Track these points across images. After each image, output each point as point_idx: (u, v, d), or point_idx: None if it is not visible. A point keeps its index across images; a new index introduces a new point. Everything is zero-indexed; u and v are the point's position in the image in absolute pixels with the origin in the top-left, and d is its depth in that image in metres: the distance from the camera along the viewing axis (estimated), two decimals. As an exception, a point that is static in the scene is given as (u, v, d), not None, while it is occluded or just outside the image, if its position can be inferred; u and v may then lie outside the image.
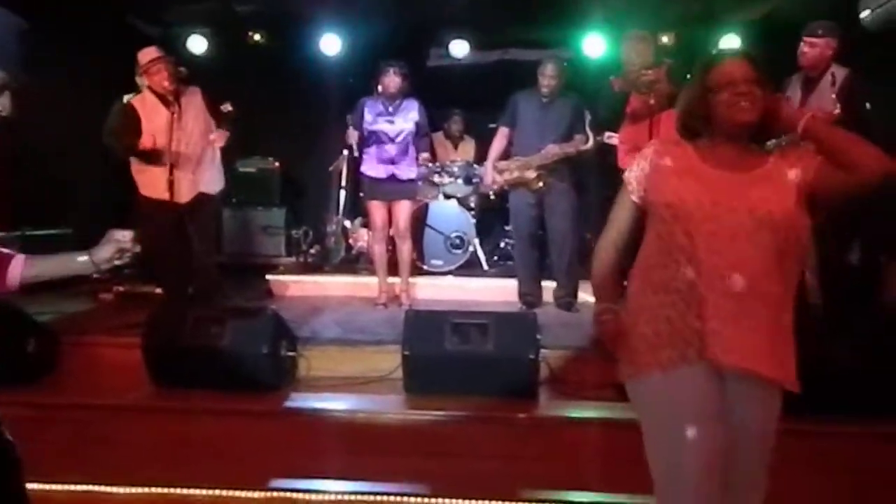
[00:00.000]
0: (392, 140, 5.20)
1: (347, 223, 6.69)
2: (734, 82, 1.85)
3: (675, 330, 1.87)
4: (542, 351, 3.78)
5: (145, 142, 4.70)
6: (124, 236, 1.86)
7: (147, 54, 4.66)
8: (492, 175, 5.34)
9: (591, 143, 5.01)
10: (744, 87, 1.84)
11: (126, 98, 5.43)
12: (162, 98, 4.65)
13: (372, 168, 5.26)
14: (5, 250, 1.81)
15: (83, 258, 1.84)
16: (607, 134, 5.13)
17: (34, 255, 1.84)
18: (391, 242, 5.54)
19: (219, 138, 4.70)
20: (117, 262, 1.86)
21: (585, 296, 5.54)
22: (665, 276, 1.89)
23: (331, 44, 7.14)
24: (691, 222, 1.85)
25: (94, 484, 3.06)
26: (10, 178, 4.94)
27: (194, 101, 4.74)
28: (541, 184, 5.07)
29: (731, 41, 6.96)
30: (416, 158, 5.31)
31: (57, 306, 5.03)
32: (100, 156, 5.10)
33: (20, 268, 1.79)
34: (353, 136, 5.24)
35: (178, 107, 4.63)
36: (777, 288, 1.83)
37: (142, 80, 5.37)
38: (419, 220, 6.01)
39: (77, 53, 5.80)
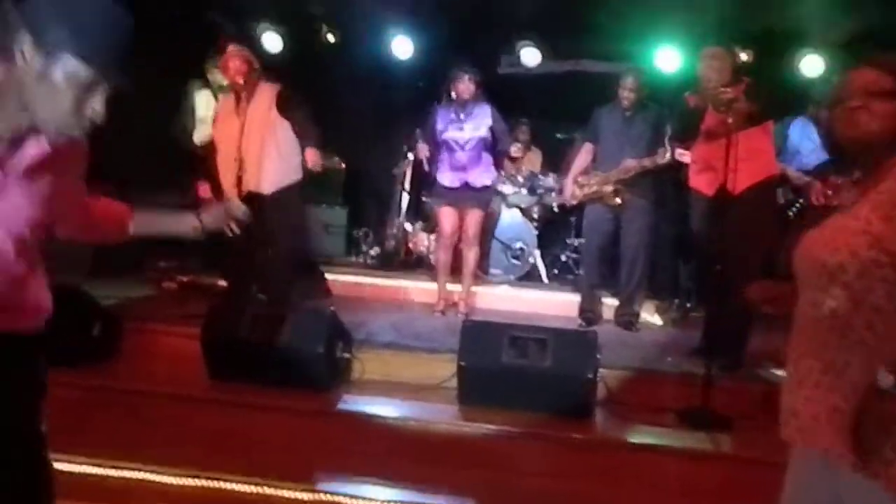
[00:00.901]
0: (462, 147, 5.16)
1: (408, 226, 6.68)
2: (850, 95, 1.55)
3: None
4: (601, 370, 3.69)
5: (214, 135, 4.76)
6: (238, 207, 1.95)
7: (228, 49, 4.73)
8: (571, 189, 5.27)
9: (668, 156, 4.88)
10: (858, 101, 1.53)
11: (198, 91, 5.56)
12: (235, 92, 4.70)
13: (445, 176, 5.24)
14: (115, 202, 1.87)
15: (191, 219, 1.88)
16: (678, 151, 5.01)
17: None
18: (455, 249, 5.49)
19: (312, 158, 4.65)
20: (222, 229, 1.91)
21: (647, 316, 5.42)
22: None
23: (402, 46, 7.15)
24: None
25: (145, 471, 3.09)
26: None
27: (265, 98, 4.75)
28: (618, 199, 4.97)
29: (813, 62, 6.72)
30: (492, 165, 5.26)
31: (123, 292, 5.14)
32: (168, 148, 5.18)
33: (131, 220, 1.86)
34: (422, 150, 5.24)
35: (248, 102, 4.68)
36: None
37: (213, 74, 5.48)
38: (487, 230, 5.95)
39: (154, 48, 5.93)
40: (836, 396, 1.46)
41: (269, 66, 4.96)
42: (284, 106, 4.71)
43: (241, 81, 4.65)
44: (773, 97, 4.43)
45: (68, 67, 1.36)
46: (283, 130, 4.69)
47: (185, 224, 1.90)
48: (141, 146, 5.63)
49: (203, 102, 5.52)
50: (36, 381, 1.67)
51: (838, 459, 1.45)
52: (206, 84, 5.55)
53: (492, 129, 5.13)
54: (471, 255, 5.35)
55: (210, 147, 4.92)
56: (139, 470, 3.08)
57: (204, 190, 4.96)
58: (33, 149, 1.48)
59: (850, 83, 1.57)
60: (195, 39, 5.81)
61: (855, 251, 1.45)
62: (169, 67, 5.57)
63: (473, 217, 5.25)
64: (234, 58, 4.65)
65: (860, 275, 1.43)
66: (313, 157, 4.63)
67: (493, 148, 5.25)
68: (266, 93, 4.72)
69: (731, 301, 3.70)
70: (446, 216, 5.29)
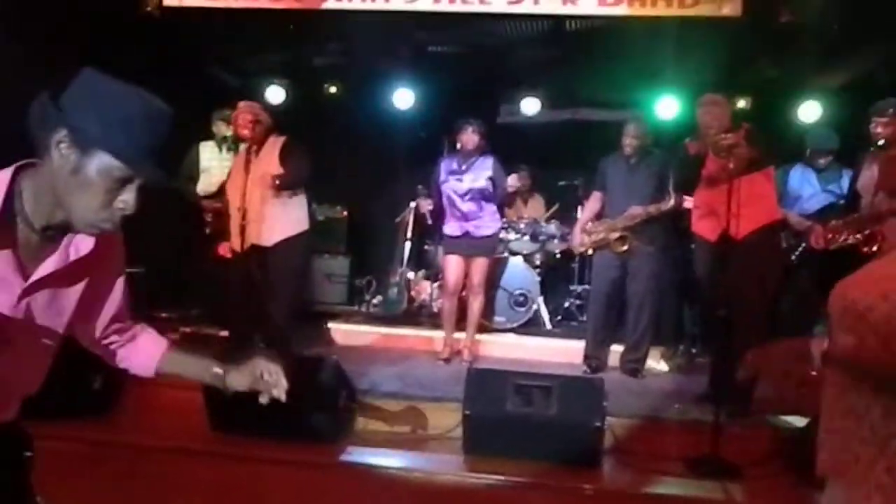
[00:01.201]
0: (461, 197, 5.20)
1: (411, 275, 6.67)
2: None
3: None
4: (608, 418, 3.64)
5: (226, 187, 4.83)
6: (269, 372, 1.72)
7: (239, 105, 4.86)
8: (580, 237, 5.28)
9: (672, 202, 4.90)
10: None
11: (202, 143, 5.64)
12: (247, 146, 4.78)
13: (448, 226, 5.29)
14: (151, 332, 1.80)
15: (217, 374, 1.74)
16: (684, 197, 5.03)
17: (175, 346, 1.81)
18: (459, 297, 5.47)
19: None
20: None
21: (653, 362, 5.37)
22: None
23: (403, 97, 7.25)
24: None
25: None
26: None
27: (272, 150, 4.80)
28: (625, 247, 4.98)
29: (810, 109, 6.80)
30: (496, 214, 5.30)
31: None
32: (174, 199, 5.23)
33: (157, 358, 1.78)
34: (423, 205, 5.32)
35: (255, 155, 4.74)
36: None
37: (217, 127, 5.57)
38: (493, 278, 5.95)
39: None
40: None
41: (273, 118, 5.04)
42: (284, 156, 4.77)
43: (248, 134, 4.73)
44: (774, 142, 4.47)
45: (102, 163, 1.37)
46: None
47: (209, 376, 1.77)
48: (159, 200, 5.69)
49: (207, 154, 5.60)
50: (24, 456, 1.64)
51: None
52: (211, 136, 5.64)
53: (491, 180, 5.16)
54: (476, 304, 5.33)
55: (223, 200, 4.99)
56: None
57: (224, 249, 4.99)
58: (66, 249, 1.48)
59: None
60: (198, 93, 5.90)
61: (886, 294, 1.43)
62: (183, 126, 5.64)
63: (478, 265, 5.26)
64: (244, 112, 4.78)
65: (887, 319, 1.42)
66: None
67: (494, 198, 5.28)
68: (273, 146, 4.79)
69: (737, 346, 3.67)
70: (451, 265, 5.30)
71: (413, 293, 6.64)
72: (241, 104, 4.85)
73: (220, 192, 5.17)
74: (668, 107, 6.98)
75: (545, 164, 7.24)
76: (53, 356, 1.58)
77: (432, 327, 5.78)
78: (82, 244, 1.49)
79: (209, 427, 3.83)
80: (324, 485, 3.45)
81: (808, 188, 5.19)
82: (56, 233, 1.45)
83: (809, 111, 6.80)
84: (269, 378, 1.70)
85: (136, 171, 1.39)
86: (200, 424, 3.83)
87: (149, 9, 5.31)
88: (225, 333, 5.30)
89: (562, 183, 7.16)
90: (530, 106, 7.30)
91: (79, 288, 1.54)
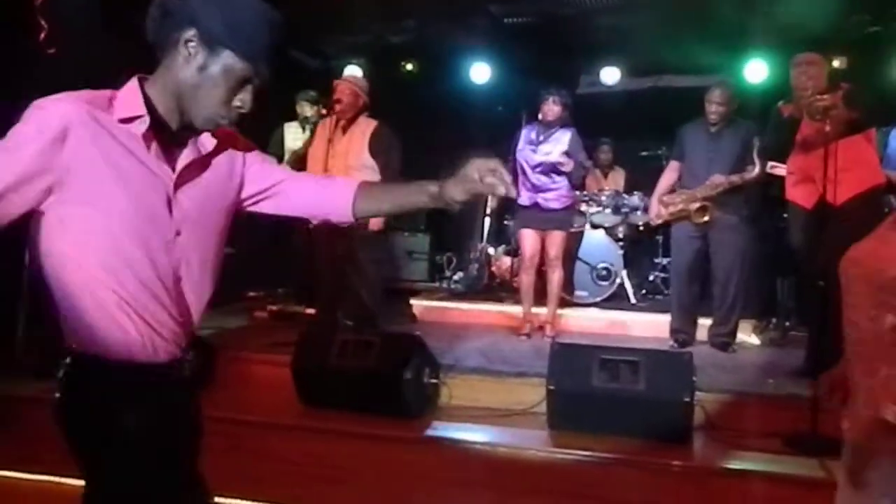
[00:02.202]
0: (532, 168, 5.13)
1: (491, 250, 6.66)
2: None
3: None
4: (698, 394, 3.54)
5: (309, 153, 4.89)
6: (490, 170, 1.54)
7: (342, 78, 4.95)
8: (657, 208, 5.11)
9: (757, 171, 4.67)
10: None
11: (287, 123, 5.73)
12: (336, 118, 4.77)
13: (521, 196, 5.20)
14: (340, 180, 1.83)
15: (433, 191, 1.64)
16: (770, 164, 4.80)
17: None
18: (539, 271, 5.42)
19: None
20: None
21: (744, 336, 5.20)
22: None
23: (480, 72, 7.20)
24: None
25: (240, 498, 3.13)
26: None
27: (360, 132, 4.77)
28: (706, 217, 4.78)
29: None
30: (569, 187, 5.18)
31: (216, 321, 5.29)
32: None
33: (351, 200, 1.73)
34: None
35: (343, 132, 4.75)
36: None
37: (301, 107, 5.64)
38: (570, 251, 5.86)
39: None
40: None
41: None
42: (376, 145, 4.73)
43: (342, 107, 4.71)
44: (874, 103, 4.20)
45: (227, 62, 1.46)
46: (367, 169, 4.66)
47: (422, 198, 1.67)
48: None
49: (291, 134, 5.69)
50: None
51: None
52: (295, 117, 5.73)
53: (567, 154, 5.05)
54: (555, 277, 5.27)
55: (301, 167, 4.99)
56: (235, 497, 3.13)
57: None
58: (195, 146, 1.58)
59: None
60: (280, 76, 6.00)
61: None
62: (258, 103, 5.75)
63: (554, 239, 5.18)
64: (345, 84, 4.81)
65: None
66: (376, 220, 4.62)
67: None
68: (361, 127, 4.78)
69: (836, 319, 3.49)
70: (526, 238, 5.24)
71: (493, 268, 6.62)
72: (345, 76, 4.91)
73: (301, 163, 5.16)
74: (756, 70, 6.69)
75: (628, 134, 7.08)
76: (219, 256, 1.65)
77: (514, 302, 5.75)
78: (207, 141, 1.60)
79: (299, 401, 3.93)
80: (410, 459, 3.48)
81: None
82: (186, 133, 1.54)
83: (910, 69, 6.39)
84: (490, 179, 1.54)
85: (258, 71, 1.49)
86: (291, 398, 3.93)
87: None
88: (312, 311, 5.42)
89: (644, 153, 6.98)
90: (611, 75, 7.13)
91: (219, 177, 1.62)
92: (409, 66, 7.52)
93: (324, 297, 5.05)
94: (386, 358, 3.83)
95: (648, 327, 5.51)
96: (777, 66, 6.24)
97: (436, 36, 7.01)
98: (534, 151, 5.13)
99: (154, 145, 1.49)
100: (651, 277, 6.67)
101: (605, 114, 7.10)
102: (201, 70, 1.46)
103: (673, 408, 3.45)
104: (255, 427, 3.71)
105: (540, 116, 5.15)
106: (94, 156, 1.41)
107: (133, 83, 1.50)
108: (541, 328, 5.34)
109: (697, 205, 4.82)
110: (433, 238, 7.37)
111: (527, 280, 5.30)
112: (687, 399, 3.44)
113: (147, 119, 1.46)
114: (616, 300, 6.13)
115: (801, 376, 3.98)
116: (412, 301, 6.21)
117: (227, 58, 1.46)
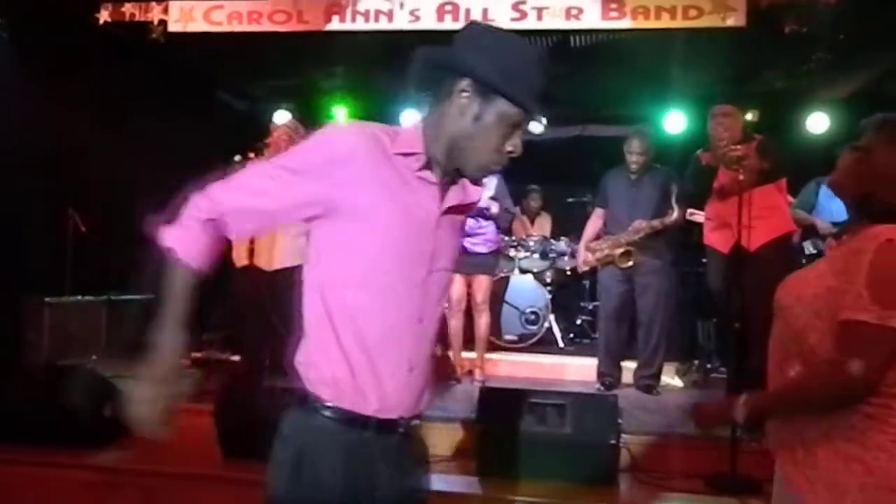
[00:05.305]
0: None
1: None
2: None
3: None
4: (623, 436, 3.58)
5: None
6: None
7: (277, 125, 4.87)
8: (584, 255, 5.23)
9: (676, 215, 4.85)
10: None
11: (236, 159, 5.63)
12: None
13: None
14: None
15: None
16: (689, 210, 5.00)
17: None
18: (466, 316, 5.43)
19: None
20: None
21: (667, 378, 5.32)
22: None
23: (411, 118, 7.26)
24: None
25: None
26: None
27: None
28: (630, 262, 4.93)
29: (818, 120, 6.78)
30: (494, 232, 5.23)
31: (136, 370, 5.08)
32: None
33: None
34: None
35: None
36: None
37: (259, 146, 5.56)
38: (498, 295, 5.90)
39: (166, 126, 6.05)
40: None
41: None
42: None
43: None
44: (785, 155, 4.43)
45: (501, 109, 1.47)
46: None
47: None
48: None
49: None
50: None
51: None
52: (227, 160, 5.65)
53: (494, 199, 5.11)
54: (482, 322, 5.28)
55: None
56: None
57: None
58: (462, 189, 1.59)
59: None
60: (208, 117, 5.92)
61: (800, 296, 1.66)
62: (190, 150, 5.65)
63: (480, 283, 5.21)
64: (280, 131, 4.74)
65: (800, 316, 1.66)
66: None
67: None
68: None
69: (753, 360, 3.61)
70: (453, 283, 5.25)
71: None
72: (279, 123, 4.87)
73: None
74: (675, 121, 6.98)
75: (555, 180, 7.24)
76: (440, 307, 1.64)
77: (442, 347, 5.74)
78: (471, 189, 1.61)
79: (220, 451, 3.79)
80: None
81: (839, 204, 5.17)
82: (455, 175, 1.56)
83: (817, 122, 6.78)
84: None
85: (535, 115, 1.51)
86: (212, 449, 3.79)
87: (154, 35, 5.33)
88: (237, 358, 5.29)
89: (570, 200, 7.15)
90: (536, 125, 7.29)
91: (459, 228, 1.64)
92: (341, 111, 7.53)
93: (247, 343, 4.94)
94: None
95: (576, 371, 5.58)
96: (696, 116, 6.52)
97: (365, 81, 7.06)
98: None
99: (427, 183, 1.52)
100: (579, 321, 6.78)
101: (531, 161, 7.21)
102: (476, 120, 1.47)
103: (599, 450, 3.48)
104: (171, 478, 3.57)
105: None
106: (373, 180, 1.46)
107: (417, 123, 1.56)
108: (470, 373, 5.33)
109: (622, 250, 4.96)
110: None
111: (455, 324, 5.30)
112: (613, 441, 3.48)
113: (423, 158, 1.50)
114: (544, 344, 6.20)
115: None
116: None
117: (501, 105, 1.46)
